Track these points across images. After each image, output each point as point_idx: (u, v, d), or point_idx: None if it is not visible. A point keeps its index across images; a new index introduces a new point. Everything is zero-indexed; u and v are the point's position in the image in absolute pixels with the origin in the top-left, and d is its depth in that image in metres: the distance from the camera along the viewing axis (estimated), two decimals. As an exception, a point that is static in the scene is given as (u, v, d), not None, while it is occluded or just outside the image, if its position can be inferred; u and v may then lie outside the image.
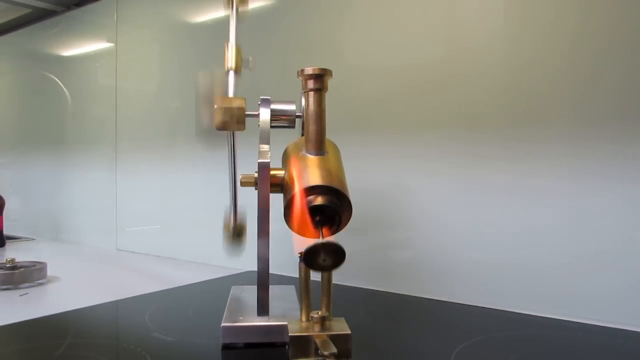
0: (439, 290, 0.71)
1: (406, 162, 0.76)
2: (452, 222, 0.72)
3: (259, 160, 0.52)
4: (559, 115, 0.64)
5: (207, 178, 1.00)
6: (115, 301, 0.70)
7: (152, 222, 1.13)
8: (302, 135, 0.60)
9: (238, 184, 0.58)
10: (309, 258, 0.43)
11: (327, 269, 0.45)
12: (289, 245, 0.49)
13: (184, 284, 0.81)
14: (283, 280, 0.68)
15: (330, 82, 0.52)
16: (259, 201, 0.51)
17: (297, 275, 0.49)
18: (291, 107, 0.61)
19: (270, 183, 0.52)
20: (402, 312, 0.67)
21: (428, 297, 0.72)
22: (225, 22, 0.63)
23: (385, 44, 0.78)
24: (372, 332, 0.57)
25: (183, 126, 1.07)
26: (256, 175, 0.52)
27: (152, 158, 1.13)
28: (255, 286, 0.63)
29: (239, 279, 0.85)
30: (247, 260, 0.86)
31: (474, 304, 0.68)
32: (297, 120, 0.61)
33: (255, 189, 0.52)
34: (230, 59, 0.60)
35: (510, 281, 0.67)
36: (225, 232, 0.58)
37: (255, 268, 0.52)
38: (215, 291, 0.77)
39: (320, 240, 0.45)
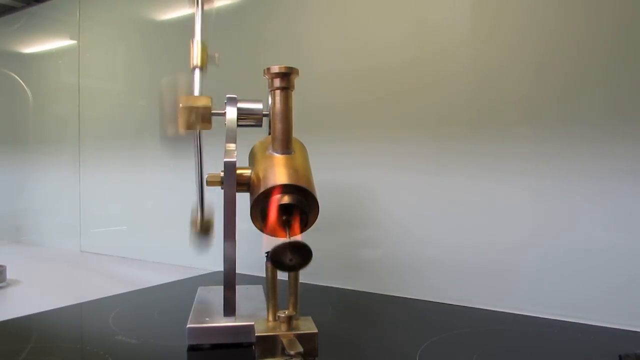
0: (405, 288, 0.72)
1: (373, 161, 0.76)
2: (418, 221, 0.72)
3: (225, 160, 0.51)
4: (525, 117, 0.65)
5: (173, 178, 0.99)
6: (79, 304, 0.69)
7: (117, 223, 1.11)
8: (269, 134, 0.60)
9: (204, 182, 0.58)
10: (276, 258, 0.43)
11: (294, 269, 0.45)
12: (257, 245, 0.49)
13: (150, 285, 0.79)
14: (251, 280, 0.68)
15: (298, 81, 0.52)
16: (225, 201, 0.51)
17: (265, 275, 0.49)
18: (258, 105, 0.60)
19: (236, 182, 0.51)
20: (369, 310, 0.67)
21: (395, 294, 0.72)
22: (191, 19, 0.62)
23: (354, 44, 0.78)
24: (340, 331, 0.57)
25: (149, 125, 1.06)
26: (222, 174, 0.52)
27: (117, 157, 1.10)
28: (222, 286, 0.62)
29: (206, 279, 0.84)
30: (214, 261, 0.85)
31: (439, 301, 0.69)
32: (264, 119, 0.61)
33: (222, 188, 0.52)
34: (196, 57, 0.59)
35: (475, 278, 0.68)
36: (193, 228, 0.57)
37: (222, 268, 0.52)
38: (181, 292, 0.76)
39: (286, 239, 0.44)
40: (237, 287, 0.53)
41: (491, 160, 0.67)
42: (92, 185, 1.16)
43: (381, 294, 0.73)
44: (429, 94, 0.72)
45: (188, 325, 0.51)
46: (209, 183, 0.53)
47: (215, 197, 0.55)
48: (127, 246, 1.08)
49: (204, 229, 0.57)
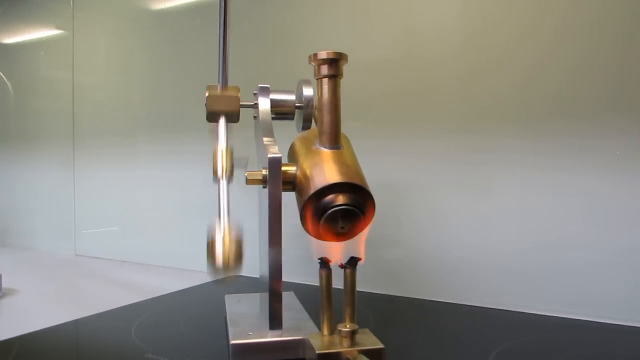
0: (447, 292, 0.68)
1: (397, 159, 0.72)
2: (452, 221, 0.68)
3: (270, 155, 0.46)
4: (567, 111, 0.61)
5: (173, 176, 0.93)
6: (94, 315, 0.62)
7: (114, 224, 1.04)
8: (304, 128, 0.55)
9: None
10: (328, 224, 0.42)
11: (344, 237, 0.43)
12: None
13: (164, 293, 0.73)
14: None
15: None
16: (270, 201, 0.45)
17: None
18: (291, 97, 0.56)
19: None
20: (414, 317, 0.62)
21: (434, 299, 0.68)
22: (190, 10, 0.56)
23: (384, 37, 0.73)
24: (396, 343, 0.51)
25: (146, 121, 1.00)
26: (264, 172, 0.46)
27: (113, 154, 1.04)
28: (252, 294, 0.58)
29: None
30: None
31: (486, 306, 0.65)
32: (297, 111, 0.56)
33: (264, 187, 0.47)
34: (220, 167, 0.48)
35: (511, 280, 0.64)
36: (212, 258, 0.42)
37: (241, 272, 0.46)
38: (201, 300, 0.70)
39: (338, 205, 0.42)
40: (264, 294, 0.49)
41: (521, 158, 0.63)
42: (87, 183, 1.09)
43: (420, 299, 0.69)
44: (456, 91, 0.68)
45: (232, 342, 0.45)
46: (249, 182, 0.47)
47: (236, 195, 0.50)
48: (125, 249, 1.01)
49: (233, 255, 0.42)
